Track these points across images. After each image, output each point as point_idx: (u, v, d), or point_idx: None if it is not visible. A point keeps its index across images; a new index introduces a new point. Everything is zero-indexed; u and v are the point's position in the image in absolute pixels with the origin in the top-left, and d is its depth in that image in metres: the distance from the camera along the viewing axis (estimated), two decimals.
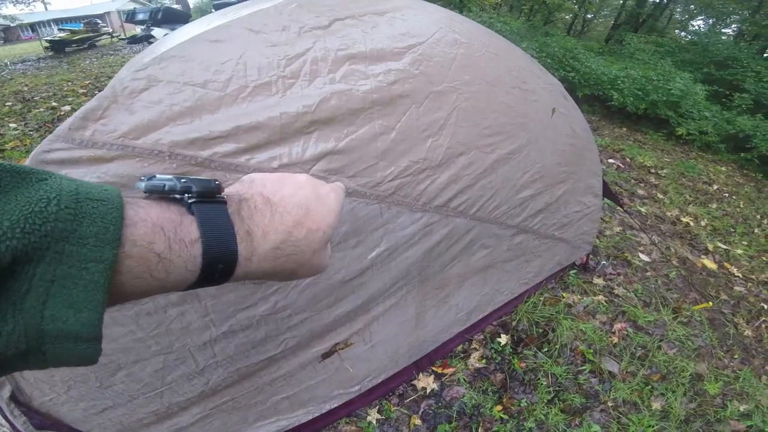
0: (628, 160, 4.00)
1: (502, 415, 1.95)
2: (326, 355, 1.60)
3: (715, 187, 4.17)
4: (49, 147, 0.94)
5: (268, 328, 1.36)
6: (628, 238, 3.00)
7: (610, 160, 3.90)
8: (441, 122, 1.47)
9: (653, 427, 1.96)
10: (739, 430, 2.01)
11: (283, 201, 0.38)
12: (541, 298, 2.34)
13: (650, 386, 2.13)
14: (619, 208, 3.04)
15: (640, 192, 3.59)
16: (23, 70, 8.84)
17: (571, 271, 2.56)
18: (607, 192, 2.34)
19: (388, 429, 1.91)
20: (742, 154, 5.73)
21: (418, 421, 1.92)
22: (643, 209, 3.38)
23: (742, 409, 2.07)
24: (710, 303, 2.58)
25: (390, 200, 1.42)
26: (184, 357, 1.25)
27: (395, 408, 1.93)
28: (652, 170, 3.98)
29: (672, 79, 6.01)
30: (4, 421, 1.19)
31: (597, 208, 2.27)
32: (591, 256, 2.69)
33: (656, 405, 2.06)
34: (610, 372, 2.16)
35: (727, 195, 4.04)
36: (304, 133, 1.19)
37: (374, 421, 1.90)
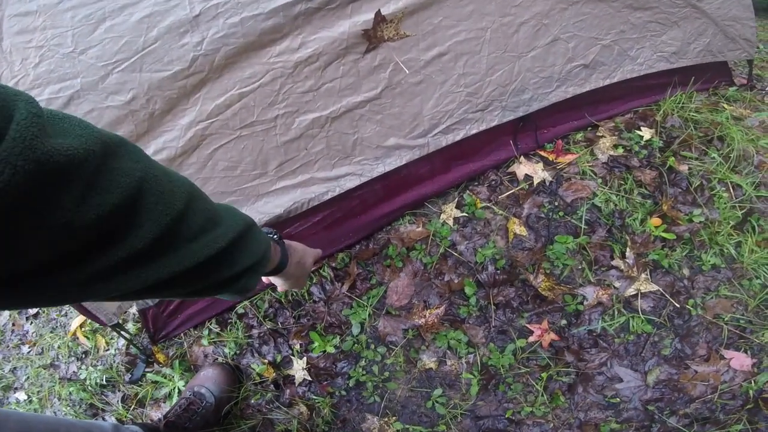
0: None
1: (664, 234, 1.06)
2: (370, 41, 0.98)
3: None
4: None
5: None
6: None
7: (763, 33, 2.71)
8: None
9: None
10: None
11: (297, 249, 0.69)
12: (693, 103, 1.38)
13: None
14: None
15: None
16: None
17: (731, 88, 1.57)
18: None
19: (473, 235, 1.09)
20: None
21: (520, 229, 1.08)
22: None
23: None
24: None
25: None
26: None
27: (484, 204, 1.10)
28: None
29: None
30: None
31: None
32: (755, 81, 1.68)
33: None
34: None
35: None
36: None
37: (450, 221, 1.09)
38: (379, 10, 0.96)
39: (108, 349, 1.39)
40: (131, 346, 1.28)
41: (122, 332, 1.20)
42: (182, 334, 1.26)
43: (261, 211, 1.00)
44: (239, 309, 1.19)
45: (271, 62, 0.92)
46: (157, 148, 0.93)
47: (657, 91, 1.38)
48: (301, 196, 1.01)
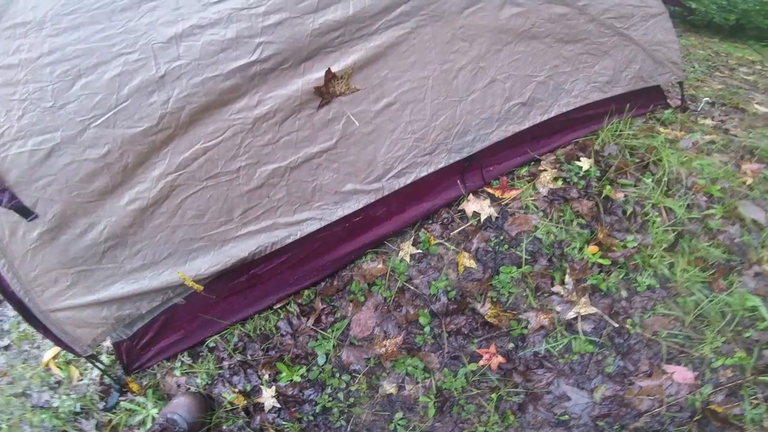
0: (722, 53, 2.88)
1: (601, 260, 1.12)
2: (322, 97, 1.03)
3: None
4: None
5: (240, 26, 0.94)
6: (735, 92, 2.01)
7: (699, 51, 2.82)
8: None
9: None
10: None
11: None
12: (630, 129, 1.45)
13: None
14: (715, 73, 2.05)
15: (744, 69, 2.52)
16: None
17: (666, 111, 1.65)
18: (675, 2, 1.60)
19: (428, 270, 1.14)
20: None
21: (470, 262, 1.14)
22: (750, 78, 2.32)
23: None
24: None
25: None
26: (145, 58, 0.93)
27: (437, 241, 1.15)
28: (757, 61, 2.84)
29: None
30: None
31: (661, 12, 1.52)
32: (688, 101, 1.76)
33: None
34: (754, 221, 1.26)
35: None
36: None
37: (407, 257, 1.14)
38: (330, 68, 1.02)
39: (81, 379, 1.41)
40: (105, 376, 1.31)
41: (96, 363, 1.23)
42: (155, 365, 1.30)
43: (227, 254, 1.06)
44: (210, 343, 1.23)
45: (232, 119, 0.99)
46: (131, 198, 0.99)
47: (596, 120, 1.45)
48: (264, 240, 1.06)
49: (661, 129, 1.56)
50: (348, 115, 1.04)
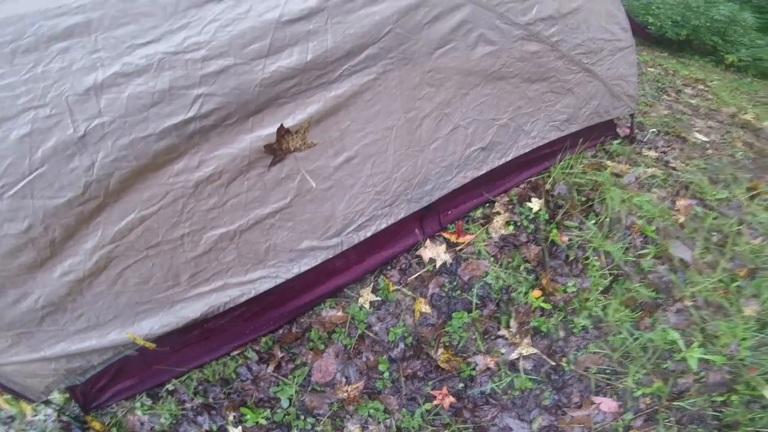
0: (671, 71, 3.01)
1: (543, 304, 1.20)
2: (275, 154, 0.97)
3: None
4: None
5: (174, 74, 0.82)
6: (679, 119, 2.13)
7: (650, 69, 2.93)
8: None
9: (748, 340, 1.24)
10: None
11: None
12: (580, 164, 1.52)
13: (737, 284, 1.37)
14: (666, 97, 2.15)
15: (689, 91, 2.68)
16: None
17: (615, 141, 1.73)
18: (635, 27, 1.63)
19: (386, 317, 1.18)
20: None
21: (425, 308, 1.18)
22: (693, 101, 2.47)
23: None
24: None
25: None
26: (60, 113, 0.79)
27: (395, 287, 1.19)
28: (700, 80, 3.03)
29: (714, 6, 4.78)
30: None
31: (629, 45, 1.58)
32: (636, 130, 1.85)
33: (748, 310, 1.33)
34: (681, 260, 1.40)
35: None
36: None
37: (367, 305, 1.17)
38: (282, 124, 0.96)
39: (36, 415, 1.34)
40: (62, 415, 1.27)
41: (52, 404, 1.19)
42: (114, 404, 1.27)
43: (177, 315, 1.02)
44: (169, 386, 1.21)
45: (170, 182, 0.90)
46: (64, 271, 0.90)
47: (550, 157, 1.51)
48: (216, 300, 1.03)
49: (608, 162, 1.65)
50: (303, 173, 1.00)
